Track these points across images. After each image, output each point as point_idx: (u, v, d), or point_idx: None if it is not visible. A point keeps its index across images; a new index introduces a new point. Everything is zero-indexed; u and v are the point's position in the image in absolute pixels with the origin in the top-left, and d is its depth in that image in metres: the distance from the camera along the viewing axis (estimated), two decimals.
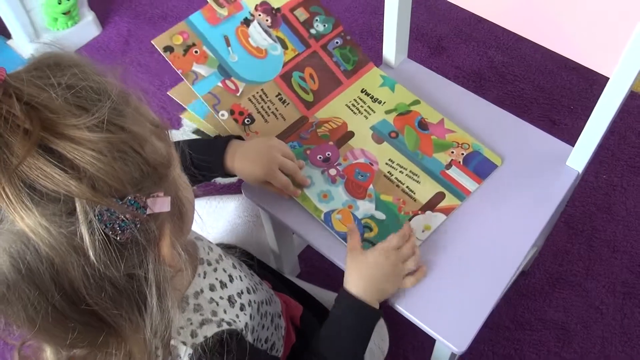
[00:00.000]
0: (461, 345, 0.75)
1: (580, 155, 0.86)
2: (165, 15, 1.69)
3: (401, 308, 0.78)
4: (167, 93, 0.92)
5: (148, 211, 0.46)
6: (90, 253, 0.44)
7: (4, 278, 0.44)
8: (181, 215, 0.54)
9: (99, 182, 0.43)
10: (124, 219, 0.44)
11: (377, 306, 0.76)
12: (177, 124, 1.47)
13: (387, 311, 0.80)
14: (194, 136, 0.98)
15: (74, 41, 1.60)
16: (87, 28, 1.62)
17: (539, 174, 0.88)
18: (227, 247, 1.01)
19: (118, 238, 0.44)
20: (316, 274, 1.20)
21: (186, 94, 0.91)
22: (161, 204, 0.47)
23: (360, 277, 0.75)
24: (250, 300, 0.70)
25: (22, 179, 0.41)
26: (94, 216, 0.43)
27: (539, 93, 1.48)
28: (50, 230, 0.42)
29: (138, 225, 0.45)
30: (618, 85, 0.73)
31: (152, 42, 0.92)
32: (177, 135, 1.45)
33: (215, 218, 1.09)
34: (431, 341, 0.81)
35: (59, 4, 1.50)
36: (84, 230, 0.43)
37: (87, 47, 1.63)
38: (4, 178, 0.40)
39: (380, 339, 1.02)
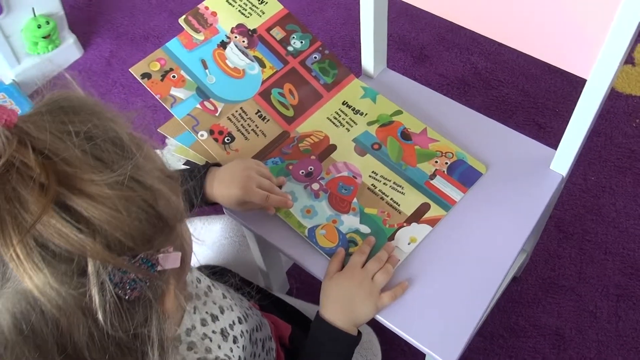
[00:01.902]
0: (451, 357, 0.74)
1: (563, 158, 0.85)
2: (147, 36, 1.69)
3: (388, 322, 0.76)
4: (158, 130, 0.93)
5: (159, 268, 0.44)
6: (99, 314, 0.42)
7: (2, 338, 0.41)
8: (183, 264, 0.51)
9: (114, 240, 0.41)
10: (135, 277, 0.42)
11: (353, 330, 0.75)
12: (162, 142, 1.46)
13: (379, 326, 0.79)
14: (179, 156, 0.97)
15: (55, 65, 1.60)
16: (69, 51, 1.61)
17: (524, 180, 0.87)
18: (213, 271, 1.00)
19: (127, 297, 0.42)
20: (306, 289, 1.19)
21: (175, 128, 0.91)
22: (173, 261, 0.45)
23: (330, 302, 0.74)
24: (242, 331, 0.68)
25: (35, 238, 0.39)
26: (106, 276, 0.41)
27: (523, 97, 1.48)
28: (60, 291, 0.40)
29: (147, 284, 0.43)
30: (596, 87, 0.72)
31: (129, 70, 0.92)
32: (161, 153, 1.43)
33: (201, 240, 1.07)
34: (423, 355, 0.80)
35: (39, 28, 1.49)
36: (94, 291, 0.41)
37: (69, 70, 1.62)
38: (16, 238, 0.38)
39: (372, 354, 1.01)
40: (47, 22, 1.51)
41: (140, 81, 0.93)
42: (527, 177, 0.87)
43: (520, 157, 0.90)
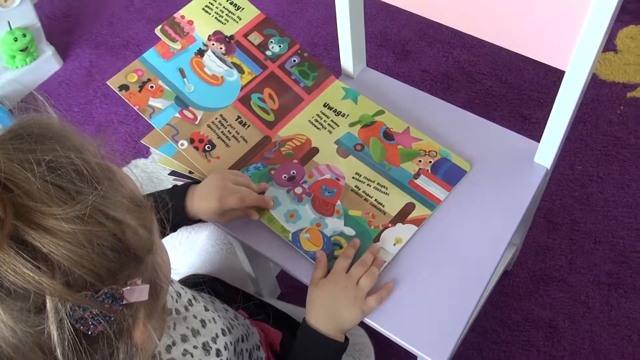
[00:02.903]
0: (441, 357, 0.73)
1: (546, 151, 0.85)
2: (127, 44, 1.67)
3: (377, 325, 0.75)
4: (141, 141, 0.92)
5: (124, 302, 0.42)
6: (58, 352, 0.40)
7: None
8: (156, 293, 0.49)
9: (74, 276, 0.39)
10: (98, 313, 0.40)
11: (340, 337, 0.74)
12: (146, 152, 1.45)
13: (371, 328, 0.78)
14: (163, 166, 0.97)
15: (35, 78, 1.58)
16: (48, 63, 1.59)
17: (508, 175, 0.87)
18: (199, 281, 0.99)
19: (90, 333, 0.41)
20: (297, 293, 1.17)
21: (157, 139, 0.91)
22: (139, 294, 0.43)
23: (315, 309, 0.74)
24: (226, 343, 0.67)
25: None
26: (65, 314, 0.39)
27: (507, 89, 1.47)
28: (16, 330, 0.38)
29: (112, 318, 0.42)
30: (575, 78, 0.72)
31: (107, 82, 0.92)
32: (146, 163, 1.42)
33: (188, 248, 1.06)
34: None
35: (15, 41, 1.47)
36: (53, 328, 0.39)
37: (49, 82, 1.60)
38: None
39: (365, 355, 1.00)
40: (24, 35, 1.49)
41: (118, 93, 0.92)
42: (511, 172, 0.87)
43: (504, 151, 0.89)
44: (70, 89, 1.59)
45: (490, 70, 1.51)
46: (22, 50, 1.50)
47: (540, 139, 0.85)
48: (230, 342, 0.68)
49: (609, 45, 1.53)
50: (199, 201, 0.78)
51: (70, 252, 0.39)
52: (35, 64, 1.56)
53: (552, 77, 1.47)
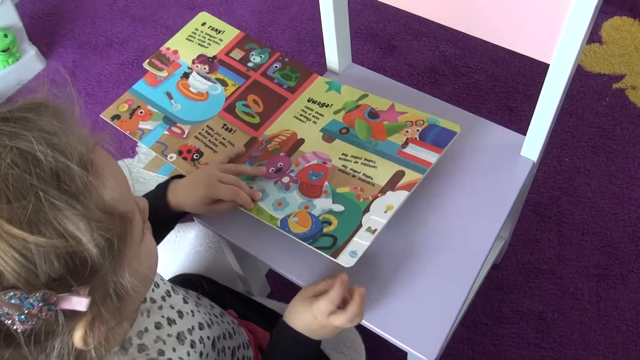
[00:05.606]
0: (431, 353, 0.73)
1: (533, 144, 0.85)
2: (110, 42, 1.65)
3: (367, 322, 0.75)
4: (142, 169, 0.94)
5: (58, 308, 0.41)
6: None
7: None
8: (120, 298, 0.46)
9: (2, 277, 0.38)
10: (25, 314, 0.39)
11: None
12: (132, 152, 1.44)
13: (361, 325, 0.77)
14: (148, 170, 0.97)
15: (17, 79, 1.56)
16: (30, 64, 1.57)
17: (495, 168, 0.87)
18: (186, 279, 0.98)
19: (16, 329, 0.39)
20: (287, 290, 1.17)
21: (156, 164, 0.93)
22: (76, 304, 0.41)
23: (299, 321, 0.72)
24: (202, 337, 0.66)
25: None
26: None
27: (494, 82, 1.47)
28: None
29: (43, 318, 0.40)
30: (559, 71, 0.72)
31: (100, 115, 0.96)
32: (132, 163, 1.41)
33: (176, 248, 1.05)
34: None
35: None
36: None
37: (32, 84, 1.58)
38: None
39: (356, 352, 1.00)
40: (6, 35, 1.47)
41: (111, 122, 0.95)
42: (498, 165, 0.87)
43: (490, 145, 0.89)
44: (54, 89, 1.57)
45: (477, 63, 1.51)
46: (3, 51, 1.48)
47: (521, 135, 0.85)
48: (208, 337, 0.68)
49: (593, 36, 1.53)
50: (183, 191, 0.78)
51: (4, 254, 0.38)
52: (17, 65, 1.54)
53: (538, 70, 1.47)
